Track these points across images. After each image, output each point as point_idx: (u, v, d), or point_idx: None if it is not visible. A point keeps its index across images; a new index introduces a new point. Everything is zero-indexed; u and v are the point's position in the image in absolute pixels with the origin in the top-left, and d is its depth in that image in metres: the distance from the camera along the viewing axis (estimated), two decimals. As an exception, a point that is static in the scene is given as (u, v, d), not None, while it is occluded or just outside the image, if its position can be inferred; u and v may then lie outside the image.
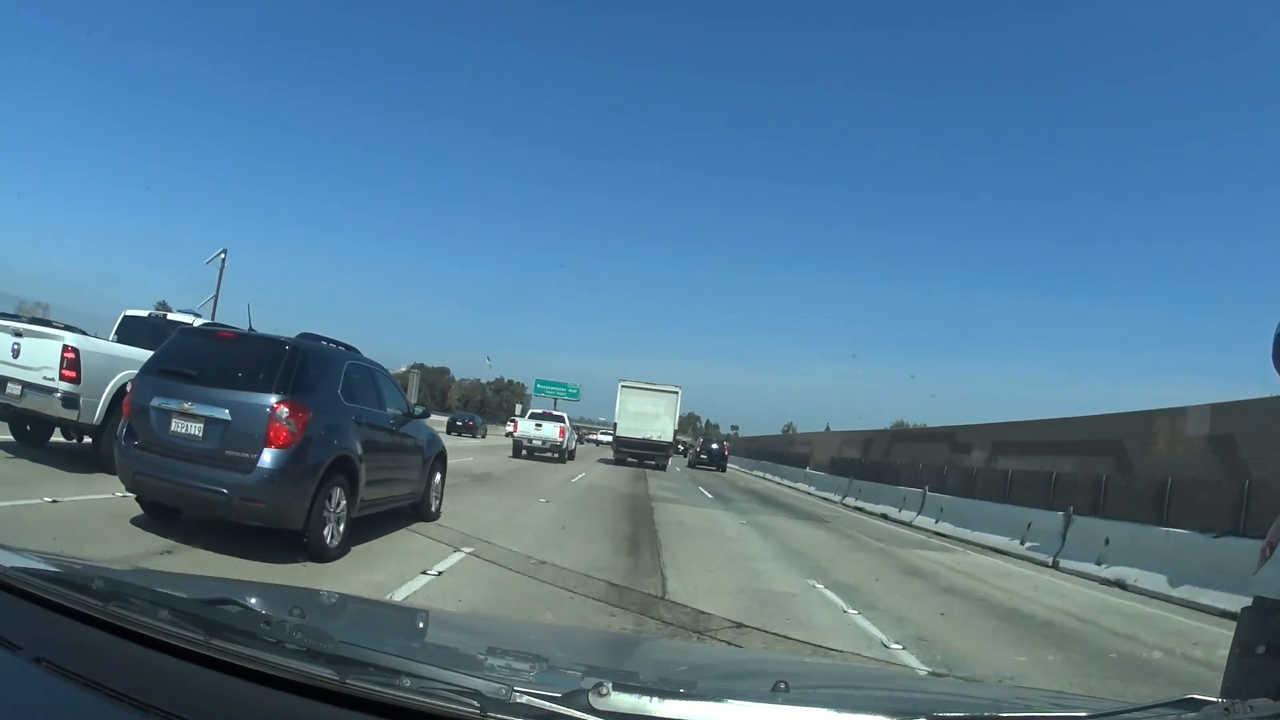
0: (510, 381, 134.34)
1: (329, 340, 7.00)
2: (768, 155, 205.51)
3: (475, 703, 0.96)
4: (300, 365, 5.87)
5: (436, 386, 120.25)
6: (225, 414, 5.49)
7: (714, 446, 40.47)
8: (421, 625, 1.99)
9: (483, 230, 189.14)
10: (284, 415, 5.50)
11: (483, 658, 1.54)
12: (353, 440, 6.26)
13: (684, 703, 1.03)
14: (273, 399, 5.53)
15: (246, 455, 5.43)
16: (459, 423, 44.18)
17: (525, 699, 0.97)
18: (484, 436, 42.30)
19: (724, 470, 38.13)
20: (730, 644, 5.10)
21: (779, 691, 1.19)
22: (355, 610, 1.97)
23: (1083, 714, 1.34)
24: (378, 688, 0.98)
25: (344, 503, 6.06)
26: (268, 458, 5.43)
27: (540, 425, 25.37)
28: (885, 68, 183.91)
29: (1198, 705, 1.14)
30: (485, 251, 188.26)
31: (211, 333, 6.75)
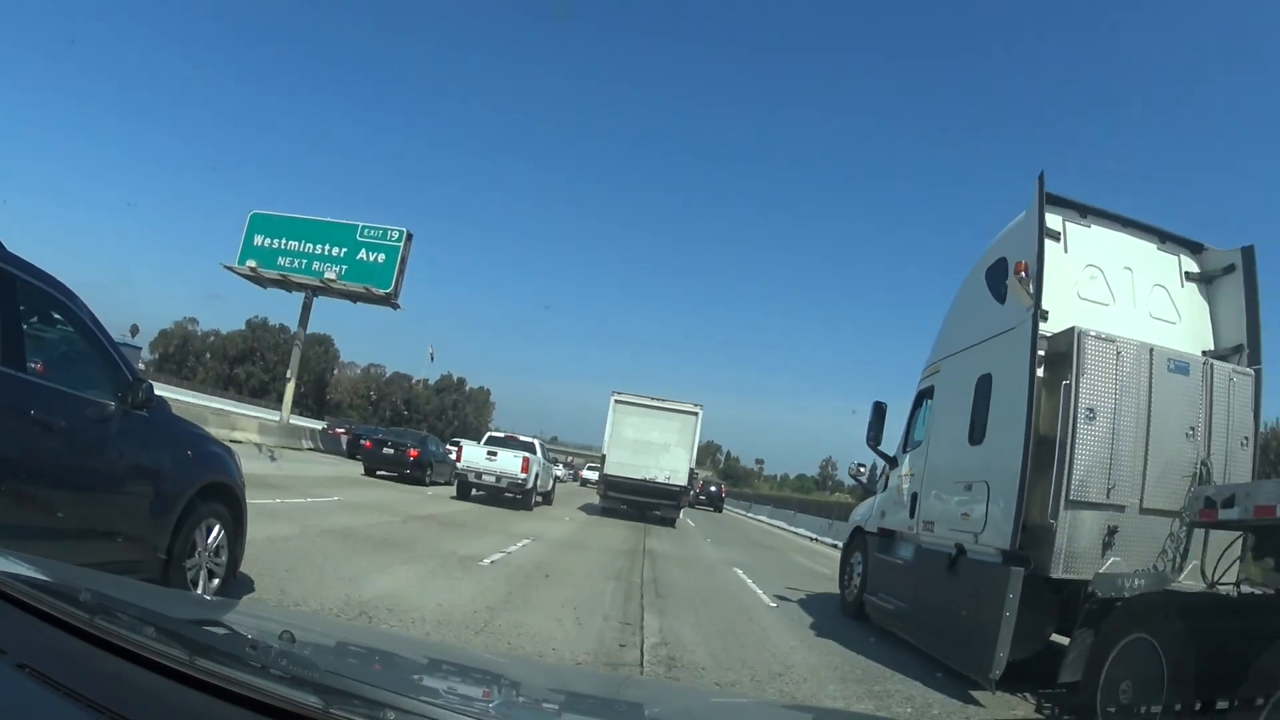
0: (460, 380, 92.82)
1: None
2: (818, 190, 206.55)
3: None
4: None
5: (310, 366, 70.49)
6: None
7: (712, 489, 44.59)
8: (413, 656, 1.97)
9: (511, 247, 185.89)
10: None
11: (472, 694, 1.56)
12: None
13: None
14: None
15: None
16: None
17: None
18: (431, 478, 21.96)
19: (720, 511, 41.53)
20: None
21: None
22: (346, 636, 1.95)
23: None
24: None
25: None
26: None
27: (494, 454, 17.74)
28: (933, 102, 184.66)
29: None
30: (507, 270, 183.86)
31: None
